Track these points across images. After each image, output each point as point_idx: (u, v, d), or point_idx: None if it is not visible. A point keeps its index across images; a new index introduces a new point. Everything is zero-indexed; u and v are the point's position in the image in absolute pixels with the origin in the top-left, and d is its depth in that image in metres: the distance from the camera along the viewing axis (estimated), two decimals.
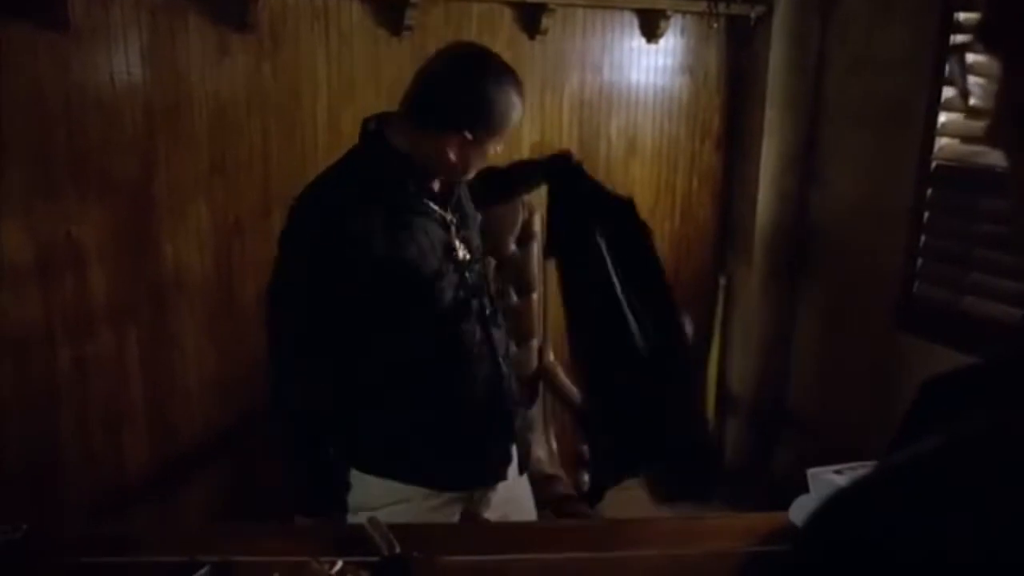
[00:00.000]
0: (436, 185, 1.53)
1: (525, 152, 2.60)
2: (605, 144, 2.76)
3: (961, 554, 0.36)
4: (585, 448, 2.18)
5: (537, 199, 2.56)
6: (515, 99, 1.46)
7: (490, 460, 1.64)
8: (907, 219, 2.56)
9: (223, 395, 2.27)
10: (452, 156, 1.45)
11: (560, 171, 1.65)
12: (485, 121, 1.44)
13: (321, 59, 2.25)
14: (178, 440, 2.27)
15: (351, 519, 1.49)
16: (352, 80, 2.30)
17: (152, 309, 2.19)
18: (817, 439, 2.89)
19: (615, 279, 1.56)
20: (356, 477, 1.54)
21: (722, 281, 3.05)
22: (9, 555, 1.29)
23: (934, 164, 2.49)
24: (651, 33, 2.70)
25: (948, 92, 2.43)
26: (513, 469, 1.67)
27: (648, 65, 2.76)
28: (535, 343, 2.34)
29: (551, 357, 2.35)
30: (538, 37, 2.52)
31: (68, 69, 1.98)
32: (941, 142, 2.48)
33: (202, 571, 1.21)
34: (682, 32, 2.78)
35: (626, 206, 1.62)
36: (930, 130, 2.48)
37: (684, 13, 2.72)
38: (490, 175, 1.63)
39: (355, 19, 2.27)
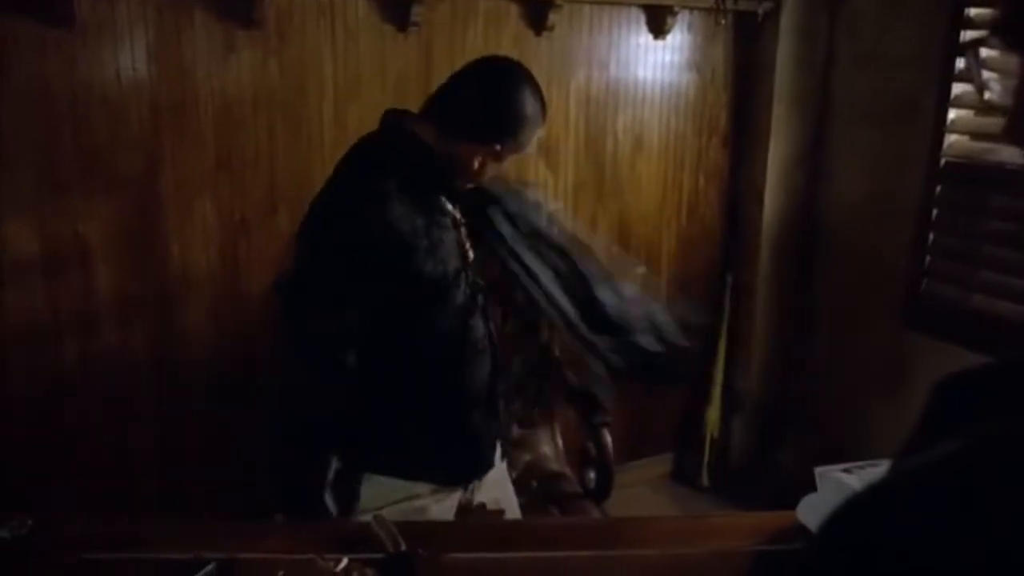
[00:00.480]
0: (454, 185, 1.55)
1: (532, 151, 2.60)
2: (612, 141, 2.75)
3: (977, 558, 0.36)
4: (591, 445, 2.18)
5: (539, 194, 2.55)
6: (540, 114, 1.53)
7: (490, 447, 1.68)
8: (915, 216, 2.55)
9: (229, 392, 2.27)
10: (476, 164, 1.50)
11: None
12: (516, 136, 1.51)
13: (327, 55, 2.25)
14: (184, 437, 2.27)
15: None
16: (358, 76, 2.29)
17: (158, 306, 2.19)
18: (824, 437, 2.88)
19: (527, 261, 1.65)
20: (363, 478, 1.54)
21: (729, 279, 3.04)
22: (15, 550, 1.29)
23: (943, 161, 2.48)
24: (658, 29, 2.69)
25: (958, 88, 2.42)
26: (498, 452, 1.72)
27: (655, 61, 2.75)
28: (539, 339, 2.33)
29: (555, 353, 2.35)
30: (544, 33, 2.51)
31: (74, 66, 1.98)
32: (950, 139, 2.47)
33: (207, 568, 1.21)
34: (689, 28, 2.77)
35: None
36: (939, 127, 2.46)
37: (691, 9, 2.71)
38: None
39: (361, 15, 2.27)
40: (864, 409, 2.74)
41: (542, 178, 2.65)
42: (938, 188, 2.51)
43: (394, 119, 1.53)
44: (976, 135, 2.43)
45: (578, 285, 1.66)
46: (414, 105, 1.58)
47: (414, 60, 2.34)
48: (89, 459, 2.17)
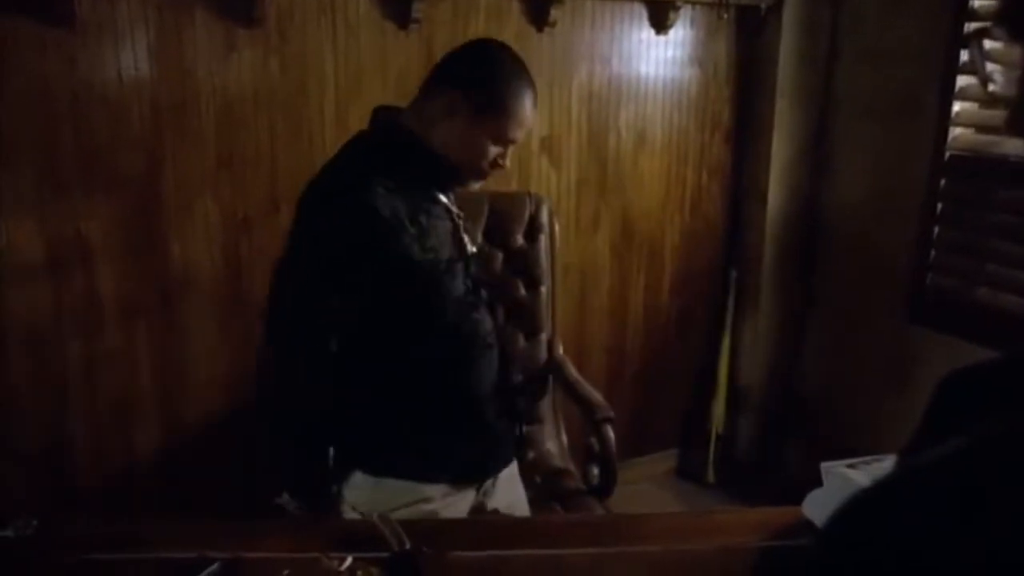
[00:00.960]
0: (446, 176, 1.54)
1: (535, 147, 2.59)
2: (614, 137, 2.74)
3: (978, 558, 0.36)
4: (594, 441, 2.18)
5: (541, 194, 2.55)
6: (524, 90, 1.46)
7: (503, 445, 1.66)
8: (920, 210, 2.54)
9: (232, 390, 2.28)
10: (449, 122, 1.45)
11: None
12: (486, 90, 1.44)
13: (328, 53, 2.24)
14: (187, 435, 2.27)
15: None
16: (359, 74, 2.29)
17: (160, 305, 2.19)
18: (829, 432, 2.87)
19: None
20: (373, 481, 1.53)
21: (733, 275, 3.03)
22: (20, 550, 1.29)
23: (948, 154, 2.47)
24: (660, 24, 2.68)
25: (962, 81, 2.41)
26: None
27: (657, 57, 2.74)
28: (544, 336, 2.33)
29: (560, 351, 2.34)
30: (546, 29, 2.50)
31: (75, 66, 1.98)
32: (955, 132, 2.46)
33: (212, 568, 1.20)
34: (692, 23, 2.76)
35: None
36: (944, 120, 2.45)
37: (694, 4, 2.70)
38: None
39: (362, 12, 2.26)
40: (869, 404, 2.73)
41: (545, 175, 2.64)
42: (943, 182, 2.49)
43: (383, 114, 1.54)
44: (980, 128, 2.42)
45: None
46: None
47: (415, 57, 2.33)
48: (90, 458, 2.17)
